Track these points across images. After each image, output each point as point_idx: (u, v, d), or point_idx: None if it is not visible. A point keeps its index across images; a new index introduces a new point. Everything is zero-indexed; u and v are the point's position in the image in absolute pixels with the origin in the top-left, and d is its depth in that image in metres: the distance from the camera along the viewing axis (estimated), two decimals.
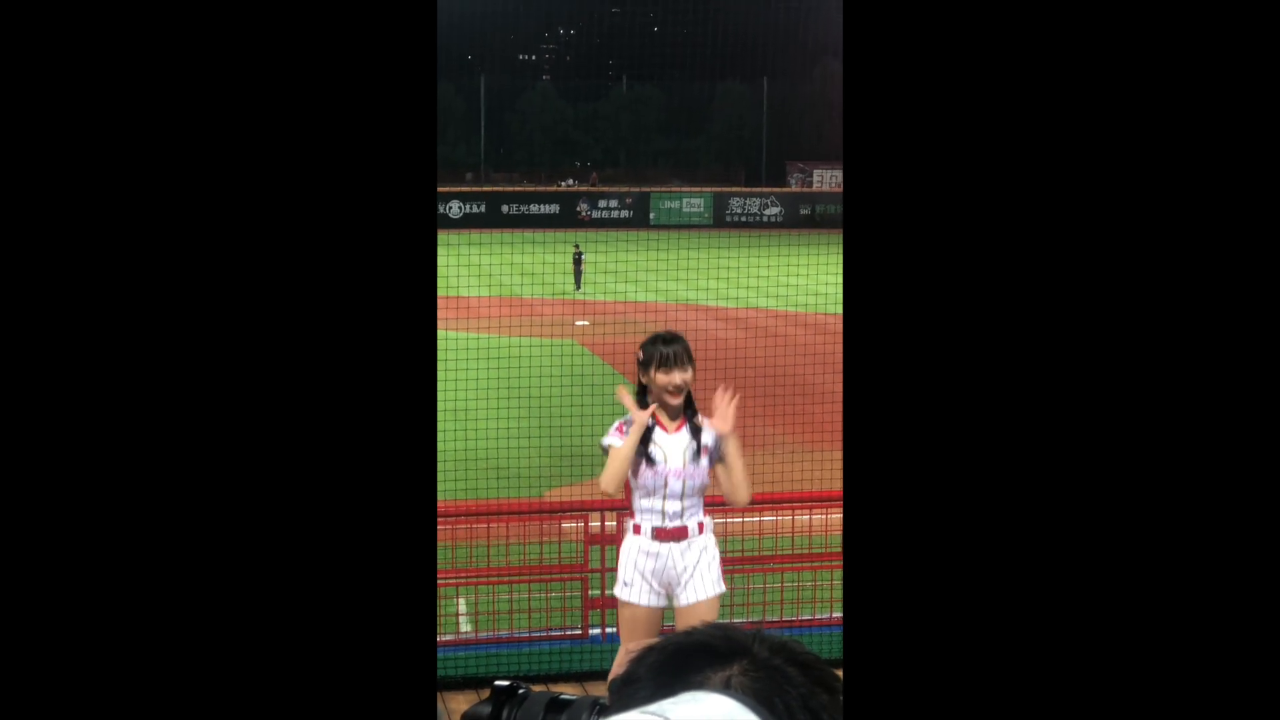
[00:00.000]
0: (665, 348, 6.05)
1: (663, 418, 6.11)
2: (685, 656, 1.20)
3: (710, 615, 6.08)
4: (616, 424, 6.13)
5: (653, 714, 1.07)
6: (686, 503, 6.08)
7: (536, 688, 1.62)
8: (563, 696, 1.57)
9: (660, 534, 6.09)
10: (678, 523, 6.08)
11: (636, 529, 6.15)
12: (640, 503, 6.14)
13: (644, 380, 6.11)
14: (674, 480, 6.05)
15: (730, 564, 8.64)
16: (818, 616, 8.53)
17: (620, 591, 6.22)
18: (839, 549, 8.53)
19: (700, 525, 6.14)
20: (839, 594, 8.51)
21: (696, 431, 6.10)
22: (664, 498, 6.06)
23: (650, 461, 6.04)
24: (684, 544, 6.11)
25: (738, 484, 6.09)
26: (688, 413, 6.14)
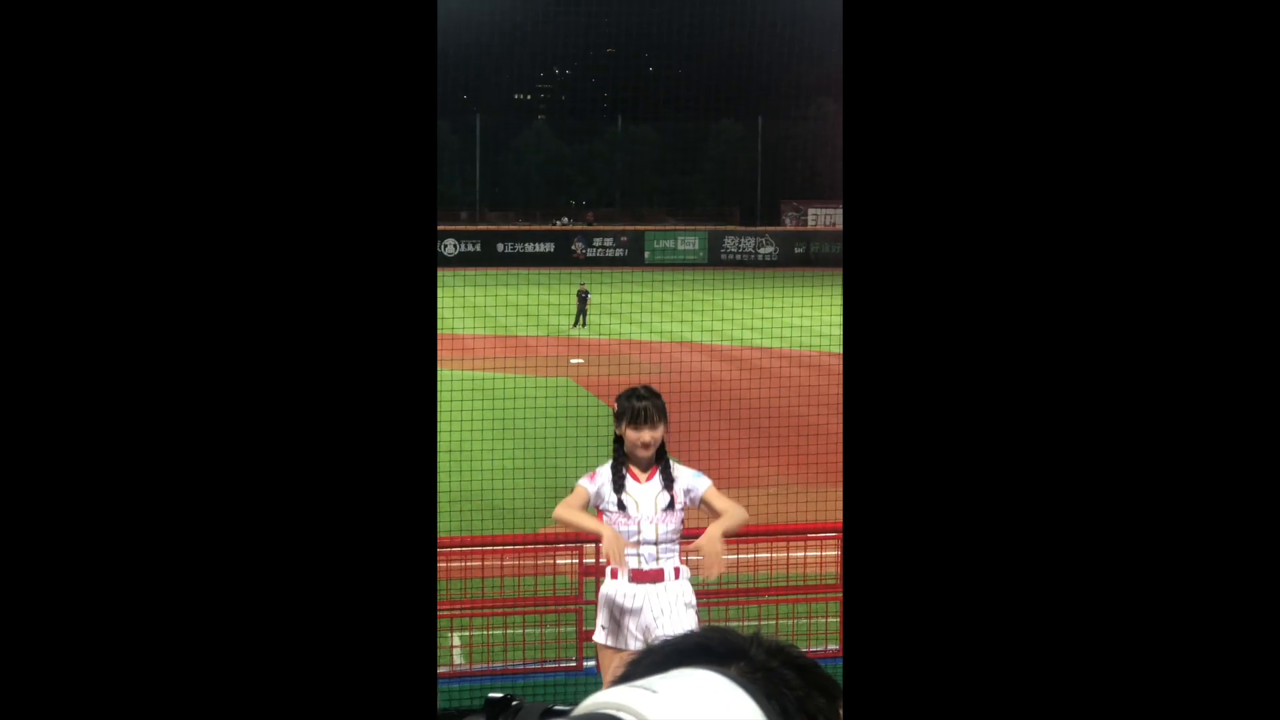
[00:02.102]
0: (637, 403, 6.26)
1: (635, 469, 6.26)
2: (681, 658, 1.20)
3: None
4: (597, 470, 6.32)
5: (642, 687, 1.09)
6: (661, 548, 6.21)
7: None
8: (557, 708, 1.59)
9: (637, 576, 6.22)
10: (654, 565, 6.21)
11: (614, 574, 6.28)
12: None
13: (618, 432, 6.29)
14: (646, 526, 6.19)
15: (727, 596, 8.65)
16: (812, 649, 8.51)
17: (600, 636, 6.36)
18: (834, 582, 8.53)
19: (676, 570, 6.27)
20: (834, 627, 8.50)
21: (669, 481, 6.24)
22: (639, 543, 6.19)
23: (621, 508, 6.18)
24: (660, 586, 6.22)
25: (732, 524, 6.17)
26: (660, 464, 6.29)
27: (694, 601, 6.35)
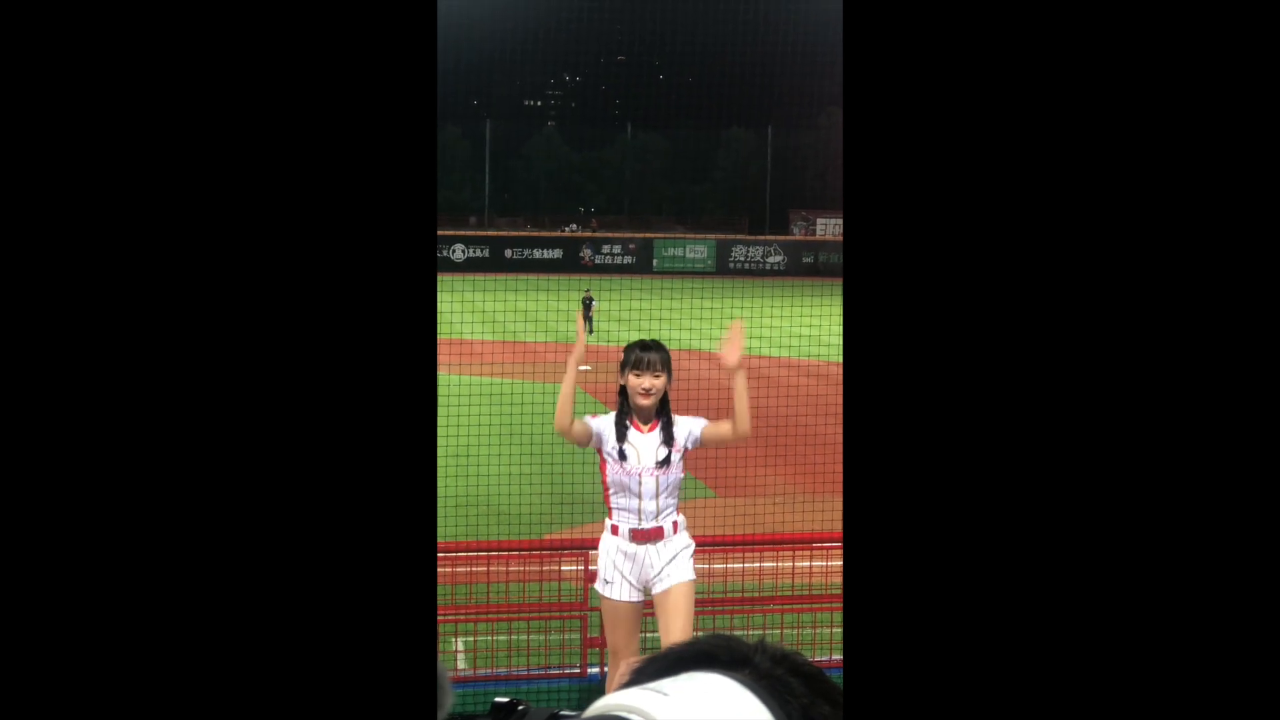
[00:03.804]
0: (641, 353, 6.35)
1: (637, 419, 6.34)
2: (688, 664, 1.20)
3: (684, 598, 6.30)
4: (588, 416, 6.47)
5: (653, 690, 1.09)
6: (662, 503, 6.28)
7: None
8: (563, 713, 1.59)
9: (637, 535, 6.31)
10: (653, 523, 6.31)
11: (614, 530, 6.37)
12: (617, 501, 6.35)
13: (621, 381, 6.40)
14: (647, 478, 6.26)
15: (731, 605, 8.65)
16: (816, 658, 8.50)
17: (601, 588, 6.45)
18: (837, 592, 8.52)
19: (675, 525, 6.35)
20: (838, 636, 8.49)
21: (669, 437, 6.30)
22: (639, 497, 6.26)
23: (622, 457, 6.25)
24: (660, 544, 6.30)
25: (741, 414, 6.27)
26: (661, 417, 6.34)
27: (693, 547, 6.45)
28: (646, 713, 1.06)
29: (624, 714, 1.06)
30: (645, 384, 6.26)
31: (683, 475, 6.39)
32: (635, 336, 6.54)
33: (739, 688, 1.11)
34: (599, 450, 6.39)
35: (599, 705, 1.09)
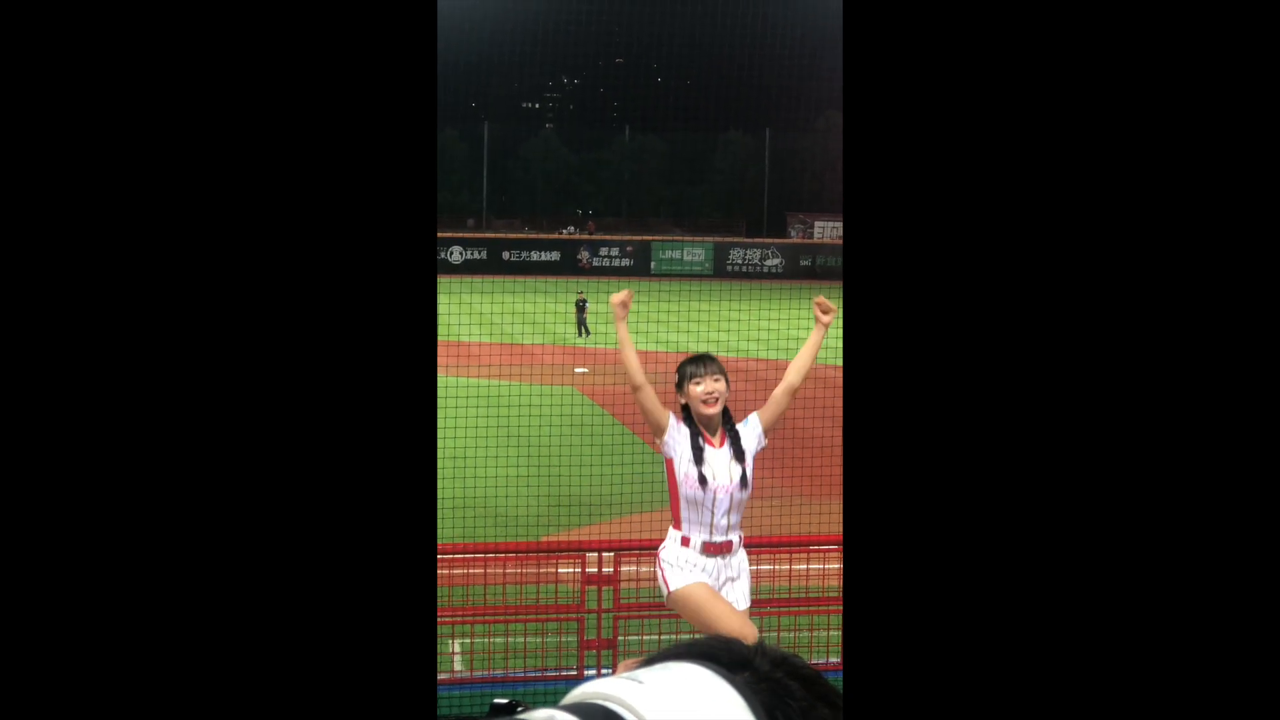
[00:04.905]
0: (694, 366, 6.32)
1: (707, 433, 6.30)
2: (678, 659, 1.20)
3: (744, 626, 6.20)
4: (675, 418, 6.37)
5: (627, 678, 1.11)
6: (733, 518, 6.27)
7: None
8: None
9: (709, 548, 6.28)
10: (723, 538, 6.27)
11: (685, 541, 6.30)
12: (688, 514, 6.28)
13: (682, 400, 6.33)
14: (722, 496, 6.22)
15: None
16: (814, 661, 8.51)
17: (676, 579, 6.28)
18: (834, 594, 8.53)
19: (742, 537, 6.37)
20: (836, 639, 8.50)
21: (740, 452, 6.28)
22: (713, 512, 6.23)
23: (702, 481, 6.20)
24: (728, 558, 6.30)
25: (800, 364, 6.62)
26: (727, 427, 6.32)
27: (749, 569, 6.46)
28: (620, 698, 1.07)
29: (600, 701, 1.08)
30: (708, 388, 6.22)
31: (750, 490, 6.36)
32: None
33: (713, 676, 1.13)
34: (667, 460, 6.34)
35: (576, 693, 1.12)
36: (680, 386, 6.34)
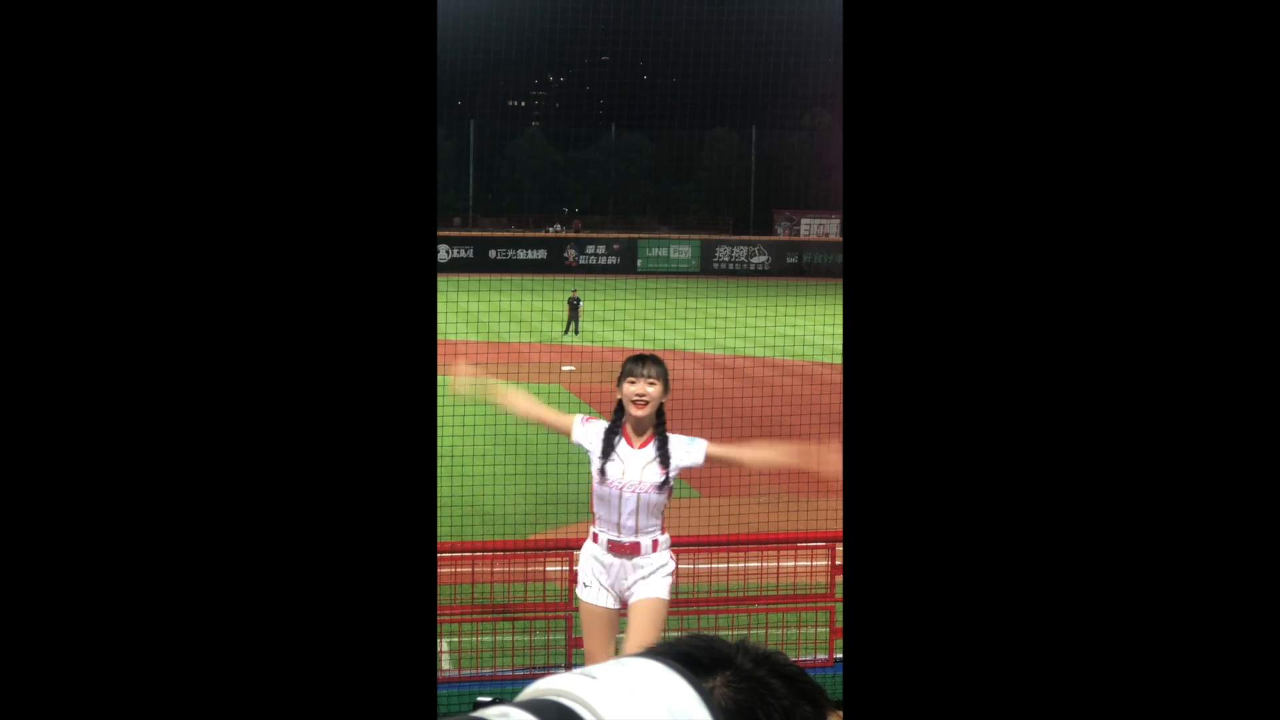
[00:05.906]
0: (633, 364, 6.31)
1: (629, 430, 6.29)
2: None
3: (649, 614, 6.28)
4: (594, 419, 6.42)
5: (581, 673, 1.12)
6: (641, 521, 6.24)
7: None
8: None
9: (614, 547, 6.30)
10: (630, 539, 6.27)
11: (595, 537, 6.36)
12: (598, 511, 6.35)
13: (619, 395, 6.35)
14: (627, 495, 6.22)
15: (715, 605, 8.65)
16: (801, 658, 8.52)
17: (581, 592, 6.45)
18: (824, 591, 8.54)
19: (655, 543, 6.31)
20: (824, 636, 8.51)
21: (665, 456, 6.26)
22: (618, 512, 6.24)
23: (602, 474, 6.24)
24: (635, 560, 6.28)
25: (763, 460, 6.53)
26: (657, 433, 6.29)
27: (673, 568, 6.44)
28: (572, 693, 1.08)
29: (553, 696, 1.08)
30: (639, 389, 6.22)
31: (667, 499, 6.35)
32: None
33: (667, 670, 1.13)
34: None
35: (530, 689, 1.12)
36: (619, 382, 6.36)
